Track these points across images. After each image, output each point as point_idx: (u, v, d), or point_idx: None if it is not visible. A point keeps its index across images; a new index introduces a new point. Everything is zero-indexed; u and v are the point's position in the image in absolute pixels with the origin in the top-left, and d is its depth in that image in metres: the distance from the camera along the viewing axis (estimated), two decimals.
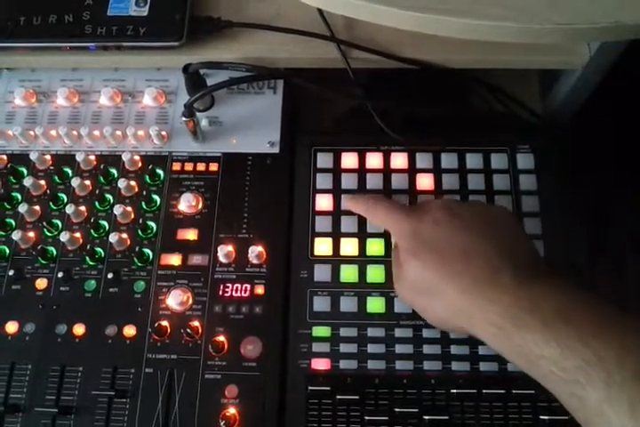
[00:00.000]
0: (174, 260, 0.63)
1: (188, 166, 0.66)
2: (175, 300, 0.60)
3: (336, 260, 0.63)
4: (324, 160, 0.67)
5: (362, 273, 0.62)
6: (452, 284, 0.49)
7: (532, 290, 0.46)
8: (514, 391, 0.57)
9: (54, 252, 0.63)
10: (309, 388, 0.58)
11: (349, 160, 0.67)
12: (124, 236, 0.63)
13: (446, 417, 0.56)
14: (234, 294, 0.61)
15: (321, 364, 0.59)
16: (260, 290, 0.61)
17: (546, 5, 0.49)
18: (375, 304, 0.61)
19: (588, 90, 0.71)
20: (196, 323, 0.60)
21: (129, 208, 0.64)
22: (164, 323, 0.60)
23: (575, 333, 0.42)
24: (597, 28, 0.49)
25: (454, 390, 0.57)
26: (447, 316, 0.50)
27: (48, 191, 0.66)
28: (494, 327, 0.46)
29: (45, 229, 0.64)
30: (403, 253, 0.53)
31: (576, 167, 0.72)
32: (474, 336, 0.49)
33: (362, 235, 0.63)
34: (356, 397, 0.57)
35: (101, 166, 0.66)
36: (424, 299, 0.52)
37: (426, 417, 0.56)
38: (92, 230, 0.64)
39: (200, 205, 0.64)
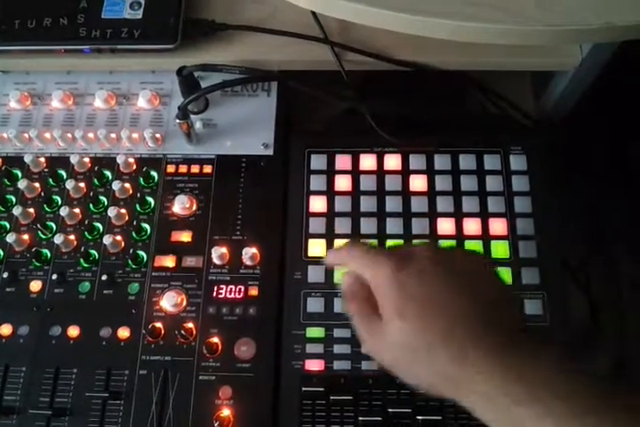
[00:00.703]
0: (168, 261, 0.63)
1: (183, 168, 0.67)
2: (169, 301, 0.60)
3: None
4: (317, 162, 0.67)
5: None
6: (440, 351, 0.45)
7: (521, 360, 0.43)
8: None
9: (48, 254, 0.63)
10: (303, 389, 0.58)
11: (343, 162, 0.67)
12: (119, 238, 0.63)
13: (439, 417, 0.56)
14: (228, 295, 0.61)
15: (315, 365, 0.59)
16: (253, 291, 0.61)
17: (536, 7, 0.49)
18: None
19: (581, 91, 0.72)
20: (190, 324, 0.60)
21: (123, 210, 0.64)
22: (159, 324, 0.60)
23: (569, 409, 0.40)
24: (588, 29, 0.49)
25: None
26: (433, 384, 0.46)
27: (42, 194, 0.66)
28: (484, 400, 0.43)
29: (40, 232, 0.64)
30: (385, 309, 0.47)
31: (568, 168, 0.72)
32: (459, 403, 0.46)
33: (356, 236, 0.63)
34: (350, 397, 0.57)
35: (96, 169, 0.67)
36: (407, 362, 0.47)
37: (419, 417, 0.56)
38: (86, 233, 0.64)
39: (194, 207, 0.65)
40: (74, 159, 0.66)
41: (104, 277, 0.62)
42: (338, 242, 0.64)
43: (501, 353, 0.44)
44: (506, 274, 0.62)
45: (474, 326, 0.45)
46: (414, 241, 0.63)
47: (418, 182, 0.66)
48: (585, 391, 0.42)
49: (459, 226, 0.64)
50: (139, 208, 0.65)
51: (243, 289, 0.61)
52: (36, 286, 0.62)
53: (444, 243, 0.63)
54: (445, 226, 0.64)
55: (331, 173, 0.67)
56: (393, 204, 0.65)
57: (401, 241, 0.63)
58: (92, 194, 0.66)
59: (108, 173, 0.66)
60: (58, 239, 0.62)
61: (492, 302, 0.47)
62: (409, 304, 0.46)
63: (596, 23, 0.49)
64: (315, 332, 0.60)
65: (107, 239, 0.62)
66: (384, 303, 0.47)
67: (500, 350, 0.44)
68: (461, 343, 0.45)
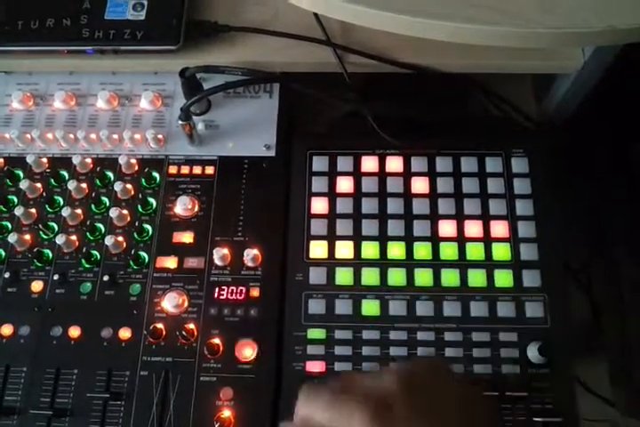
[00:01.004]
0: (170, 262, 0.63)
1: (185, 169, 0.67)
2: (170, 302, 0.60)
3: (331, 263, 0.63)
4: (319, 163, 0.67)
5: (357, 276, 0.62)
6: None
7: None
8: (507, 394, 0.57)
9: (50, 254, 0.63)
10: None
11: (345, 164, 0.67)
12: (120, 239, 0.63)
13: None
14: (229, 296, 0.61)
15: (316, 366, 0.59)
16: (255, 293, 0.61)
17: (539, 10, 0.49)
18: (370, 307, 0.61)
19: (583, 94, 0.72)
20: (191, 325, 0.60)
21: (125, 211, 0.64)
22: (160, 325, 0.60)
23: None
24: (589, 32, 0.50)
25: None
26: None
27: (44, 194, 0.66)
28: None
29: (41, 232, 0.64)
30: None
31: (570, 171, 0.72)
32: None
33: (357, 238, 0.64)
34: None
35: (98, 169, 0.67)
36: None
37: None
38: (87, 233, 0.64)
39: (196, 208, 0.65)
40: (76, 160, 0.66)
41: (105, 278, 0.62)
42: (339, 244, 0.64)
43: None
44: (507, 276, 0.62)
45: None
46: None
47: (419, 184, 0.66)
48: None
49: (460, 228, 0.64)
50: (140, 209, 0.65)
51: (244, 290, 0.61)
52: (37, 286, 0.62)
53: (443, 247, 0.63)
54: (447, 228, 0.64)
55: (332, 174, 0.67)
56: (394, 206, 0.65)
57: (402, 243, 0.63)
58: (93, 195, 0.66)
59: (110, 174, 0.67)
60: (59, 240, 0.62)
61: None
62: None
63: (598, 26, 0.49)
64: (316, 333, 0.60)
65: (108, 240, 0.62)
66: None
67: None
68: None
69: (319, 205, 0.65)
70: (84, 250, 0.63)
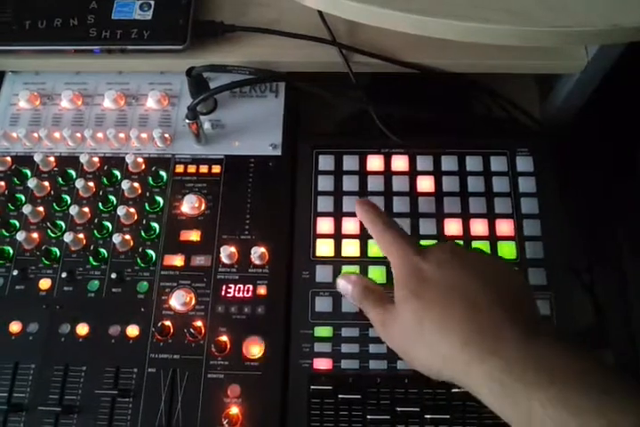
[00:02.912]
0: (177, 261, 0.63)
1: (191, 168, 0.67)
2: (178, 300, 0.60)
3: (338, 261, 0.63)
4: (325, 162, 0.68)
5: (363, 274, 0.62)
6: (454, 331, 0.46)
7: (537, 346, 0.44)
8: None
9: (58, 252, 0.64)
10: (311, 387, 0.58)
11: (351, 162, 0.67)
12: (128, 237, 0.64)
13: (447, 416, 0.57)
14: (236, 294, 0.62)
15: (323, 364, 0.59)
16: (262, 290, 0.62)
17: (544, 8, 0.49)
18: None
19: (586, 93, 0.72)
20: (198, 323, 0.60)
21: (132, 209, 0.65)
22: (167, 323, 0.60)
23: (585, 396, 0.40)
24: (595, 30, 0.50)
25: (455, 390, 0.57)
26: (440, 365, 0.47)
27: (52, 193, 0.66)
28: (495, 383, 0.43)
29: (49, 230, 0.64)
30: (401, 291, 0.50)
31: (574, 170, 0.73)
32: (459, 386, 0.47)
33: (363, 236, 0.64)
34: (358, 396, 0.58)
35: (105, 168, 0.67)
36: (417, 345, 0.48)
37: (427, 416, 0.57)
38: (95, 231, 0.64)
39: (203, 207, 0.65)
40: (83, 159, 0.66)
41: (113, 276, 0.62)
42: (345, 242, 0.64)
43: (521, 340, 0.44)
44: None
45: (493, 311, 0.46)
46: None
47: (425, 183, 0.66)
48: (603, 380, 0.42)
49: (466, 227, 0.64)
50: (148, 207, 0.65)
51: (251, 288, 0.62)
52: (45, 284, 0.62)
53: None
54: (452, 227, 0.64)
55: (338, 173, 0.67)
56: (400, 204, 0.65)
57: None
58: (101, 193, 0.66)
59: (117, 173, 0.67)
60: (67, 238, 0.62)
61: (511, 292, 0.48)
62: (426, 287, 0.48)
63: (603, 25, 0.50)
64: (323, 331, 0.60)
65: (116, 238, 0.62)
66: (401, 284, 0.50)
67: (520, 337, 0.44)
68: (478, 327, 0.45)
69: (325, 204, 0.66)
70: (92, 248, 0.63)
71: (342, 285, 0.57)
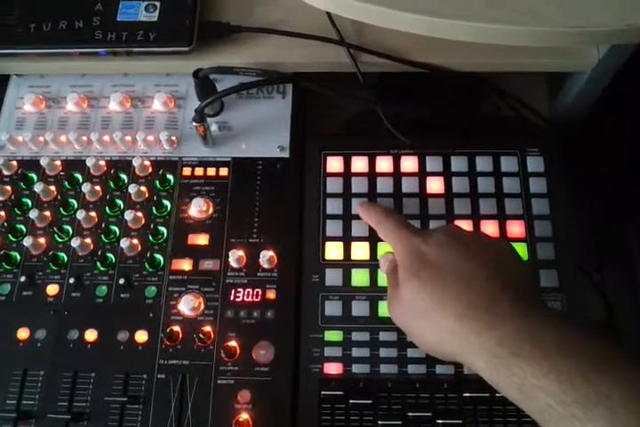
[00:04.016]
0: (185, 265, 0.63)
1: (199, 171, 0.67)
2: (187, 305, 0.60)
3: (347, 264, 0.63)
4: (333, 164, 0.67)
5: (373, 277, 0.62)
6: (450, 307, 0.48)
7: (533, 320, 0.45)
8: None
9: (65, 258, 0.63)
10: (322, 392, 0.58)
11: (359, 164, 0.67)
12: (135, 241, 0.63)
13: (459, 421, 0.56)
14: (245, 298, 0.61)
15: (333, 368, 0.59)
16: (271, 295, 0.61)
17: (558, 9, 0.49)
18: (387, 308, 0.60)
19: (597, 91, 0.71)
20: (207, 328, 0.60)
21: (139, 213, 0.64)
22: (176, 328, 0.60)
23: (576, 366, 0.41)
24: (609, 31, 0.49)
25: (467, 394, 0.57)
26: (440, 340, 0.49)
27: (58, 197, 0.66)
28: (490, 355, 0.45)
29: (56, 235, 0.64)
30: (402, 272, 0.52)
31: (585, 170, 0.72)
32: (464, 363, 0.49)
33: (373, 239, 0.63)
34: (369, 401, 0.57)
35: (112, 172, 0.67)
36: (418, 321, 0.51)
37: (439, 421, 0.56)
38: (102, 236, 0.64)
39: (210, 210, 0.64)
40: (89, 162, 0.65)
41: (121, 281, 0.61)
42: (355, 245, 0.64)
43: (516, 314, 0.46)
44: None
45: (488, 287, 0.48)
46: None
47: (435, 184, 0.65)
48: (595, 352, 0.43)
49: (476, 228, 0.64)
50: (155, 211, 0.65)
51: (260, 292, 0.61)
52: (53, 289, 0.62)
53: None
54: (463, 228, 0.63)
55: (347, 175, 0.66)
56: (410, 206, 0.65)
57: None
58: (108, 197, 0.65)
59: (124, 177, 0.66)
60: (74, 243, 0.62)
61: (506, 269, 0.50)
62: (425, 267, 0.51)
63: (617, 25, 0.49)
64: (333, 335, 0.60)
65: (123, 243, 0.62)
66: (403, 266, 0.52)
67: (515, 311, 0.46)
68: (474, 302, 0.47)
69: (334, 206, 0.65)
70: (99, 253, 0.63)
71: (381, 263, 0.59)
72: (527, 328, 0.45)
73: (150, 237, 0.63)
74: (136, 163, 0.65)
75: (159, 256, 0.63)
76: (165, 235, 0.64)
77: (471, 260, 0.50)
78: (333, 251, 0.63)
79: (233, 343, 0.59)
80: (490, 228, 0.64)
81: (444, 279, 0.49)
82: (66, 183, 0.66)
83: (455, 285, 0.49)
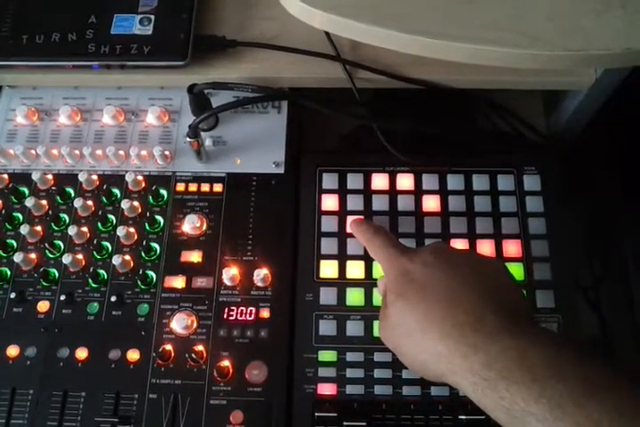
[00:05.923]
0: (178, 282, 0.62)
1: (192, 187, 0.66)
2: (179, 323, 0.59)
3: (342, 283, 0.62)
4: (329, 181, 0.66)
5: (368, 296, 0.61)
6: (435, 328, 0.47)
7: (521, 337, 0.44)
8: None
9: (56, 274, 0.62)
10: (316, 414, 0.57)
11: (355, 181, 0.66)
12: (128, 258, 0.62)
13: None
14: (239, 317, 0.60)
15: (327, 389, 0.58)
16: (265, 313, 0.61)
17: (558, 32, 0.48)
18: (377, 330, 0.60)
19: (593, 110, 0.71)
20: (200, 347, 0.59)
21: (132, 229, 0.63)
22: (169, 347, 0.59)
23: (567, 391, 0.40)
24: (608, 54, 0.49)
25: (462, 417, 0.56)
26: (427, 362, 0.48)
27: (50, 212, 0.65)
28: (477, 377, 0.43)
29: (47, 251, 0.63)
30: (389, 292, 0.51)
31: (581, 188, 0.72)
32: (451, 385, 0.47)
33: (368, 257, 0.62)
34: (363, 423, 0.56)
35: (104, 187, 0.66)
36: (406, 342, 0.50)
37: None
38: (94, 252, 0.63)
39: (204, 227, 0.64)
40: (82, 177, 0.65)
41: (113, 298, 0.61)
42: (350, 264, 0.63)
43: (502, 334, 0.45)
44: None
45: (474, 305, 0.47)
46: None
47: (431, 203, 0.65)
48: (586, 375, 0.42)
49: (472, 247, 0.63)
50: (148, 227, 0.64)
51: (254, 311, 0.61)
52: (43, 306, 0.61)
53: None
54: (459, 247, 0.63)
55: (342, 192, 0.66)
56: (406, 224, 0.64)
57: None
58: (100, 212, 0.65)
59: (117, 192, 0.65)
60: (66, 259, 0.61)
61: (493, 288, 0.49)
62: (411, 286, 0.50)
63: (617, 48, 0.49)
64: (327, 355, 0.59)
65: (116, 259, 0.61)
66: (390, 286, 0.52)
67: (499, 329, 0.45)
68: (459, 321, 0.46)
69: (329, 224, 0.64)
70: (91, 269, 0.62)
71: (378, 285, 0.59)
72: (516, 346, 0.44)
73: (143, 254, 0.63)
74: (129, 178, 0.65)
75: (152, 273, 0.62)
76: (158, 251, 0.63)
77: (457, 278, 0.50)
78: (328, 269, 0.63)
79: (226, 363, 0.58)
80: (486, 247, 0.63)
81: (428, 299, 0.49)
82: (57, 198, 0.65)
83: (440, 304, 0.48)
